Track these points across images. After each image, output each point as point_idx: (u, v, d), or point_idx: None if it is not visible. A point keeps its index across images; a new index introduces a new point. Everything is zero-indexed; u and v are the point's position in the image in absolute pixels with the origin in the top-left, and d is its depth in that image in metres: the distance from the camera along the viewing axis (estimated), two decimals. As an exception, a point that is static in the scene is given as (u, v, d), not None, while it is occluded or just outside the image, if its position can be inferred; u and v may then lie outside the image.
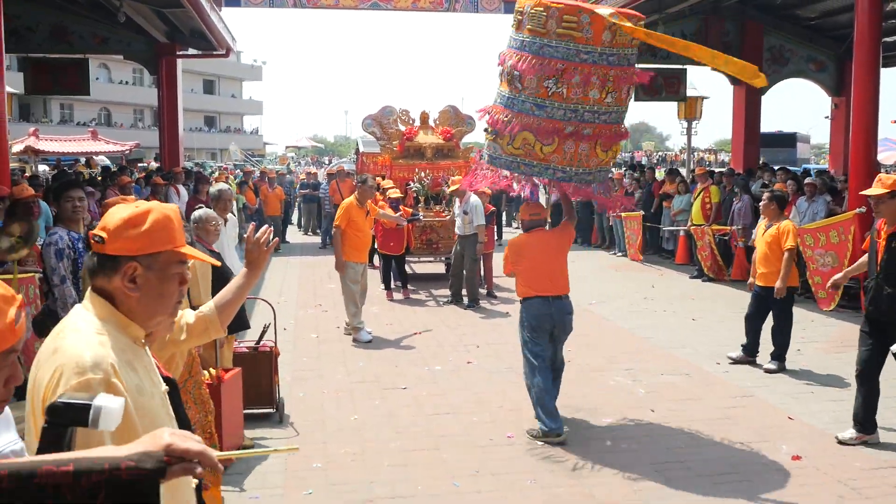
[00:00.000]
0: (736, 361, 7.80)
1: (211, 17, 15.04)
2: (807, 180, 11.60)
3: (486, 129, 5.82)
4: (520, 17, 5.47)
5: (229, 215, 7.15)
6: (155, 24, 17.13)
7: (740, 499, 4.71)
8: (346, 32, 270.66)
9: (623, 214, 15.02)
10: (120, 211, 1.96)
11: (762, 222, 7.81)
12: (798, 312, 10.12)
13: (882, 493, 4.83)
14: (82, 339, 1.84)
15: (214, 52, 19.16)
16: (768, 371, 7.47)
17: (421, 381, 7.18)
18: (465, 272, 10.70)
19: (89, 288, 1.97)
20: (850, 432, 5.62)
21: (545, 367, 5.81)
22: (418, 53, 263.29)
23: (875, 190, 5.52)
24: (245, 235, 2.86)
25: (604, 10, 5.31)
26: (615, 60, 5.32)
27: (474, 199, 10.54)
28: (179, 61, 19.54)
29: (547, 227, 6.87)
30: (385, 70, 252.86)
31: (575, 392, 6.80)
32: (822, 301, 10.03)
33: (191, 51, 19.45)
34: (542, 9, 5.29)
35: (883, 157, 40.46)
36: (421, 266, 13.84)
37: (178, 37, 18.37)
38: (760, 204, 7.93)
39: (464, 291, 10.76)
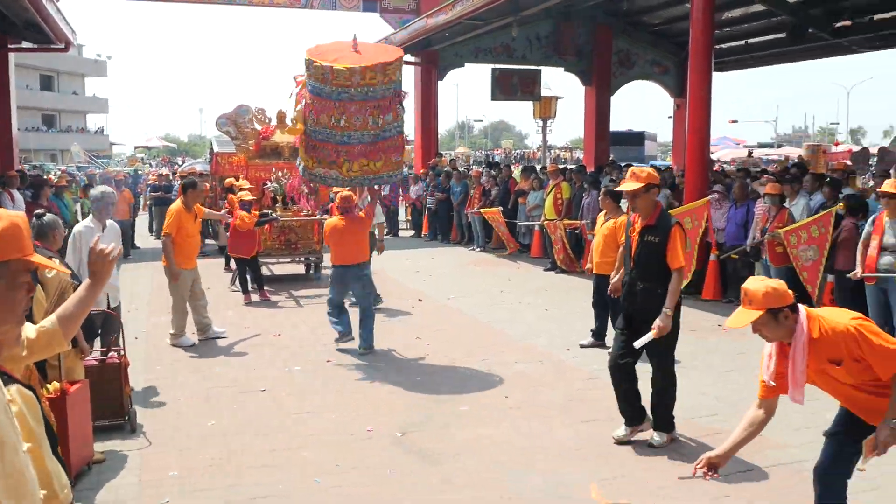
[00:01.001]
0: (587, 346, 8.22)
1: (47, 7, 14.19)
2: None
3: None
4: (316, 72, 7.24)
5: (109, 221, 6.84)
6: (-16, 15, 16.00)
7: (587, 470, 5.03)
8: (200, 27, 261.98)
9: (482, 211, 15.43)
10: None
11: (601, 215, 8.28)
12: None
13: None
14: None
15: (52, 46, 18.01)
16: (615, 355, 7.92)
17: (280, 382, 7.13)
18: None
19: None
20: (622, 430, 5.60)
21: (340, 306, 8.39)
22: (276, 51, 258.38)
23: (630, 185, 5.39)
24: (91, 245, 2.78)
25: (369, 63, 7.25)
26: (384, 93, 7.32)
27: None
28: (12, 55, 18.29)
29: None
30: (242, 67, 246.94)
31: (433, 383, 6.98)
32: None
33: (25, 44, 18.25)
34: (323, 64, 7.17)
35: (722, 153, 43.55)
36: (280, 267, 13.66)
37: (10, 29, 17.14)
38: (598, 198, 8.40)
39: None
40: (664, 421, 5.59)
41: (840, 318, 3.47)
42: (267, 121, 12.78)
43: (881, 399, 3.49)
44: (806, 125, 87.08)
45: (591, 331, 8.35)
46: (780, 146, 53.38)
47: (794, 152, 33.05)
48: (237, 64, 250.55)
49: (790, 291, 3.53)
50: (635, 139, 39.64)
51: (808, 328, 3.46)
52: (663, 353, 5.55)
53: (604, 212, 8.20)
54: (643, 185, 5.33)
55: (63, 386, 4.98)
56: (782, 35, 17.76)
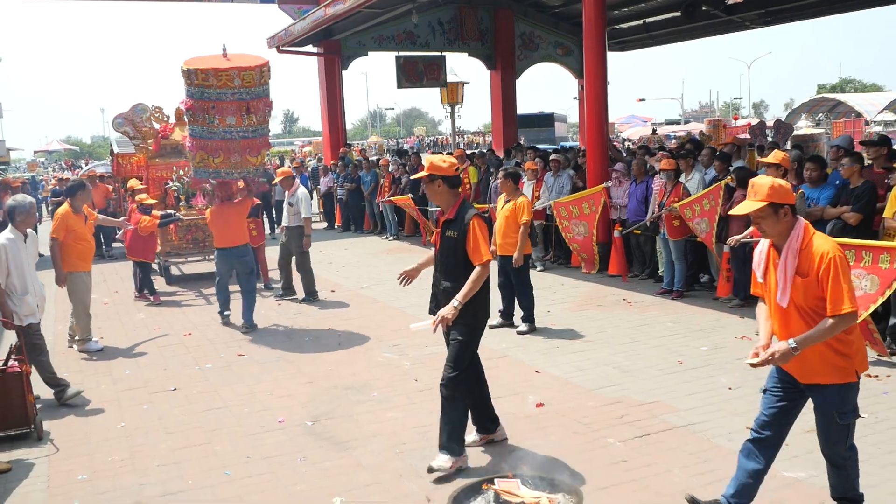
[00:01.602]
0: (496, 327, 8.46)
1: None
2: (551, 157, 12.63)
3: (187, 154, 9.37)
4: (186, 77, 8.55)
5: (30, 231, 6.64)
6: None
7: (489, 446, 5.24)
8: (96, 25, 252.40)
9: (394, 199, 15.52)
10: None
11: (501, 198, 8.50)
12: (550, 277, 11.16)
13: (607, 424, 5.56)
14: None
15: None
16: (520, 333, 8.20)
17: (192, 380, 7.13)
18: (295, 265, 10.45)
19: None
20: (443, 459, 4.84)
21: (223, 286, 9.23)
22: (175, 46, 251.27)
23: (418, 174, 5.18)
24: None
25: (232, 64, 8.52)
26: (248, 96, 8.57)
27: (302, 191, 10.27)
28: None
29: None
30: (142, 64, 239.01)
31: (345, 371, 7.10)
32: (586, 263, 11.28)
33: None
34: (198, 71, 8.46)
35: (631, 132, 44.71)
36: (190, 266, 13.48)
37: None
38: (497, 181, 8.62)
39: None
40: (451, 439, 4.83)
41: (828, 242, 3.67)
42: (165, 119, 12.58)
43: (808, 329, 3.65)
44: (711, 101, 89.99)
45: (499, 311, 8.60)
46: (686, 122, 55.13)
47: (699, 128, 34.23)
48: (137, 61, 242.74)
49: (793, 193, 3.75)
50: (545, 121, 40.24)
51: (803, 236, 3.67)
52: (453, 359, 4.92)
53: (503, 194, 8.42)
54: (427, 174, 4.95)
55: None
56: (678, 14, 18.35)
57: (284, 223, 10.40)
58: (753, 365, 3.70)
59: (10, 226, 6.58)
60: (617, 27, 21.41)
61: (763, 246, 3.87)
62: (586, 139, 12.20)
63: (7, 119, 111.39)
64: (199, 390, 6.82)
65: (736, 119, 35.71)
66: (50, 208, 19.50)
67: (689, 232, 9.60)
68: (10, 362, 5.90)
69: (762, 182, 3.69)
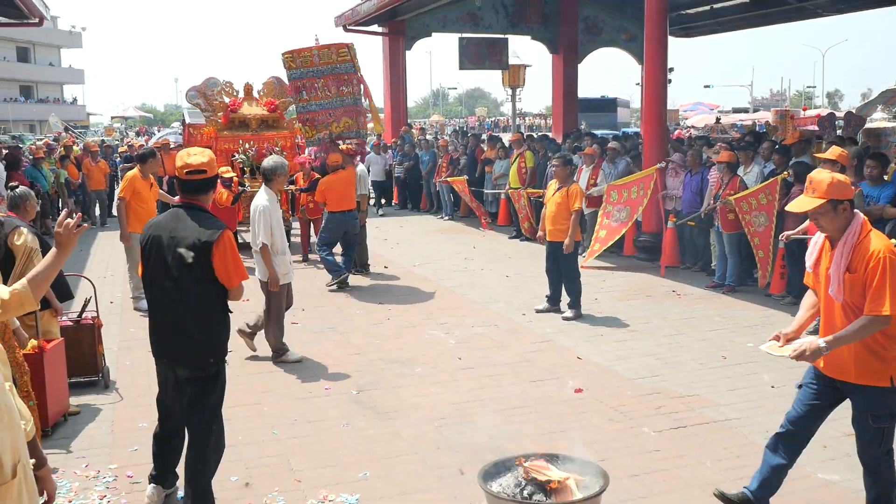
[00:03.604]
0: (542, 311, 8.61)
1: (17, -18, 14.23)
2: (608, 145, 12.64)
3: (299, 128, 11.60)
4: (290, 60, 10.63)
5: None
6: (-48, -12, 15.95)
7: (526, 428, 5.41)
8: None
9: (449, 179, 15.70)
10: None
11: (552, 183, 8.60)
12: (599, 264, 11.22)
13: (644, 413, 5.68)
14: None
15: (26, 21, 18.02)
16: (566, 319, 8.33)
17: (246, 344, 7.46)
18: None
19: None
20: None
21: (331, 245, 10.07)
22: (248, 21, 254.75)
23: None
24: (58, 219, 3.07)
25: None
26: (341, 70, 10.56)
27: (360, 168, 10.75)
28: (-15, 28, 18.29)
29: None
30: (215, 36, 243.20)
31: (391, 346, 7.36)
32: (595, 252, 11.18)
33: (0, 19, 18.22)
34: (302, 54, 10.59)
35: (696, 119, 43.88)
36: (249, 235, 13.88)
37: (-19, 3, 17.14)
38: (552, 167, 8.71)
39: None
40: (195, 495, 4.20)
41: (882, 241, 3.65)
42: (234, 93, 12.96)
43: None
44: (783, 89, 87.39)
45: (546, 297, 8.73)
46: (756, 110, 53.71)
47: (766, 117, 33.41)
48: (210, 33, 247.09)
49: (852, 187, 3.73)
50: (608, 106, 39.82)
51: (860, 232, 3.65)
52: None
53: (555, 180, 8.53)
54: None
55: (40, 344, 5.33)
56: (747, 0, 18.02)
57: None
58: (779, 351, 3.73)
59: (264, 186, 6.98)
60: (683, 13, 21.08)
61: (818, 238, 3.86)
62: (643, 126, 12.17)
63: (88, 85, 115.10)
64: (253, 354, 7.15)
65: (805, 110, 34.65)
66: (120, 173, 20.15)
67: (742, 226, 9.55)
68: (84, 314, 6.33)
69: (820, 178, 3.66)
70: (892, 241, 3.86)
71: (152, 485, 4.34)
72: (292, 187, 11.64)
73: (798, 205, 3.72)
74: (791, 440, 3.97)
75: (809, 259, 3.91)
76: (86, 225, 3.12)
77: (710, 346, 7.39)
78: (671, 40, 13.77)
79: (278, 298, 6.93)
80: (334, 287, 9.82)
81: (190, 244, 4.00)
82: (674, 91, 36.44)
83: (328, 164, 10.03)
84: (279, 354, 6.94)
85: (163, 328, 4.15)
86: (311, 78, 10.61)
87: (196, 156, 4.16)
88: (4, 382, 2.40)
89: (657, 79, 11.53)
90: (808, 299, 3.99)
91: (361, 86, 10.69)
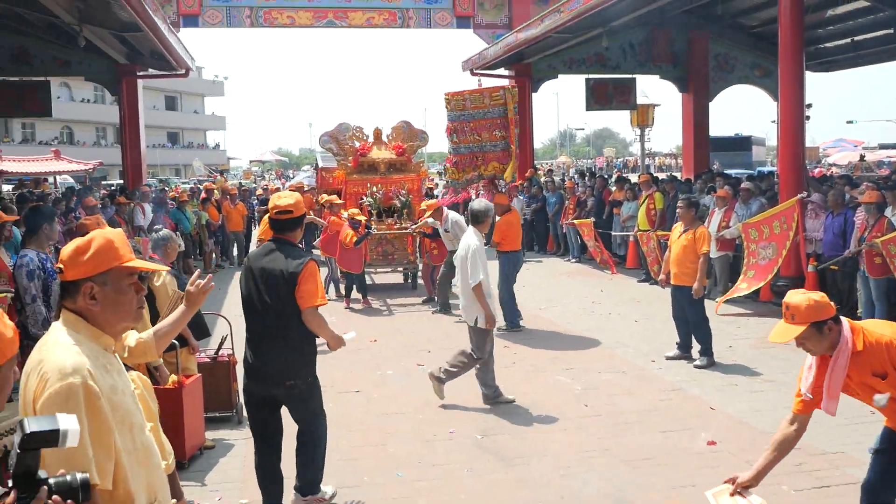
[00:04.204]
0: (672, 358, 8.34)
1: (169, 39, 15.39)
2: (742, 185, 12.21)
3: (444, 169, 11.68)
4: (448, 102, 11.05)
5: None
6: (115, 46, 17.43)
7: (655, 480, 5.21)
8: (306, 48, 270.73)
9: (576, 222, 15.58)
10: (70, 244, 2.41)
11: (677, 226, 8.38)
12: (734, 310, 10.78)
13: (783, 470, 5.33)
14: (62, 350, 2.25)
15: (174, 73, 19.48)
16: (698, 367, 8.02)
17: (373, 384, 7.62)
18: (441, 278, 11.17)
19: (63, 307, 2.37)
20: None
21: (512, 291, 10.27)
22: (377, 67, 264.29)
23: None
24: (191, 278, 3.28)
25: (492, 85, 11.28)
26: (495, 114, 11.01)
27: (453, 215, 11.05)
28: (140, 81, 19.84)
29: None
30: (347, 82, 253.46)
31: (516, 390, 7.28)
32: (742, 290, 10.61)
33: (151, 71, 19.75)
34: (455, 97, 11.04)
35: (838, 157, 41.79)
36: (379, 276, 14.24)
37: (137, 58, 18.69)
38: (678, 210, 8.49)
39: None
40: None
41: (884, 329, 3.51)
42: (364, 138, 13.42)
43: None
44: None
45: (676, 343, 8.46)
46: (905, 147, 50.56)
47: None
48: (342, 79, 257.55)
49: (831, 303, 3.56)
50: (742, 144, 38.51)
51: (853, 341, 3.48)
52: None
53: (680, 223, 8.32)
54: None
55: (179, 379, 5.61)
56: (891, 31, 17.11)
57: (448, 247, 11.04)
58: None
59: (472, 227, 7.20)
60: (821, 46, 20.24)
61: (811, 361, 3.67)
62: (779, 165, 11.70)
63: (229, 131, 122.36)
64: (380, 394, 7.28)
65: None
66: (257, 215, 21.15)
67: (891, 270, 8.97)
68: (221, 352, 6.63)
69: (797, 302, 3.47)
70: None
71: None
72: (417, 228, 11.86)
73: (780, 334, 3.52)
74: None
75: (806, 383, 3.69)
76: (212, 285, 3.32)
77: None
78: (809, 75, 13.27)
79: (489, 339, 6.96)
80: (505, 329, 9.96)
81: (278, 274, 4.48)
82: (813, 127, 35.09)
83: (495, 206, 10.18)
84: (492, 396, 6.94)
85: (253, 350, 4.62)
86: (462, 122, 11.01)
87: (284, 198, 4.67)
88: (147, 423, 2.52)
89: (794, 115, 11.10)
90: (781, 439, 3.78)
91: (515, 129, 11.03)
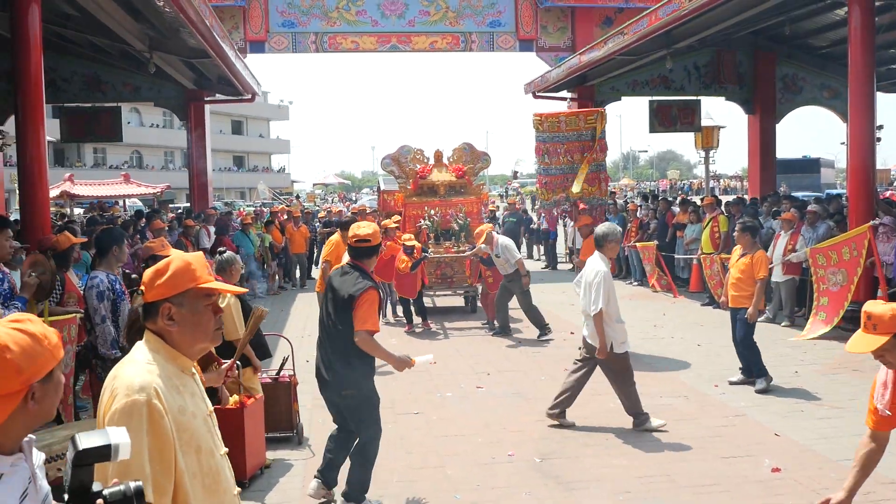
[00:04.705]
0: (736, 383, 8.18)
1: (236, 65, 15.84)
2: (808, 208, 11.94)
3: (536, 190, 11.67)
4: (539, 124, 10.86)
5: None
6: (183, 72, 18.00)
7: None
8: (370, 72, 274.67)
9: (638, 245, 15.42)
10: (150, 267, 2.50)
11: (736, 249, 8.28)
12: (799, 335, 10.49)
13: (854, 501, 5.18)
14: (134, 367, 2.34)
15: (241, 98, 20.01)
16: (759, 391, 7.85)
17: (432, 406, 7.65)
18: (522, 307, 11.17)
19: (147, 328, 2.45)
20: None
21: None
22: (439, 89, 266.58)
23: None
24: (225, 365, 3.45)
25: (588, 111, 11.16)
26: (587, 137, 10.78)
27: (503, 240, 11.15)
28: (207, 106, 20.43)
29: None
30: (409, 105, 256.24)
31: (576, 413, 7.22)
32: (821, 323, 10.31)
33: (218, 96, 20.33)
34: (549, 118, 10.92)
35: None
36: (439, 300, 14.29)
37: (205, 84, 19.26)
38: (734, 234, 8.37)
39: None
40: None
41: None
42: (425, 160, 13.55)
43: None
44: None
45: (740, 368, 8.29)
46: None
47: None
48: (405, 103, 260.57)
49: None
50: (810, 166, 37.67)
51: None
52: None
53: (739, 246, 8.21)
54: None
55: (242, 399, 5.73)
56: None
57: (501, 272, 11.20)
58: None
59: (597, 253, 6.99)
60: (892, 67, 19.68)
61: (885, 376, 3.48)
62: (848, 187, 11.41)
63: (293, 154, 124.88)
64: (439, 416, 7.30)
65: None
66: (319, 237, 21.50)
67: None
68: (282, 373, 6.75)
69: (880, 312, 3.28)
70: None
71: (316, 479, 5.27)
72: (472, 254, 11.91)
73: (858, 344, 3.33)
74: None
75: (882, 401, 3.49)
76: (229, 376, 3.49)
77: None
78: (880, 96, 12.91)
79: (622, 365, 6.88)
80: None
81: (343, 294, 4.96)
82: (885, 149, 34.06)
83: (579, 228, 10.46)
84: (640, 423, 6.82)
85: (320, 358, 5.20)
86: (555, 143, 10.86)
87: (364, 228, 5.11)
88: (221, 448, 2.53)
89: (864, 137, 10.84)
90: (865, 454, 3.58)
91: (604, 152, 10.90)
